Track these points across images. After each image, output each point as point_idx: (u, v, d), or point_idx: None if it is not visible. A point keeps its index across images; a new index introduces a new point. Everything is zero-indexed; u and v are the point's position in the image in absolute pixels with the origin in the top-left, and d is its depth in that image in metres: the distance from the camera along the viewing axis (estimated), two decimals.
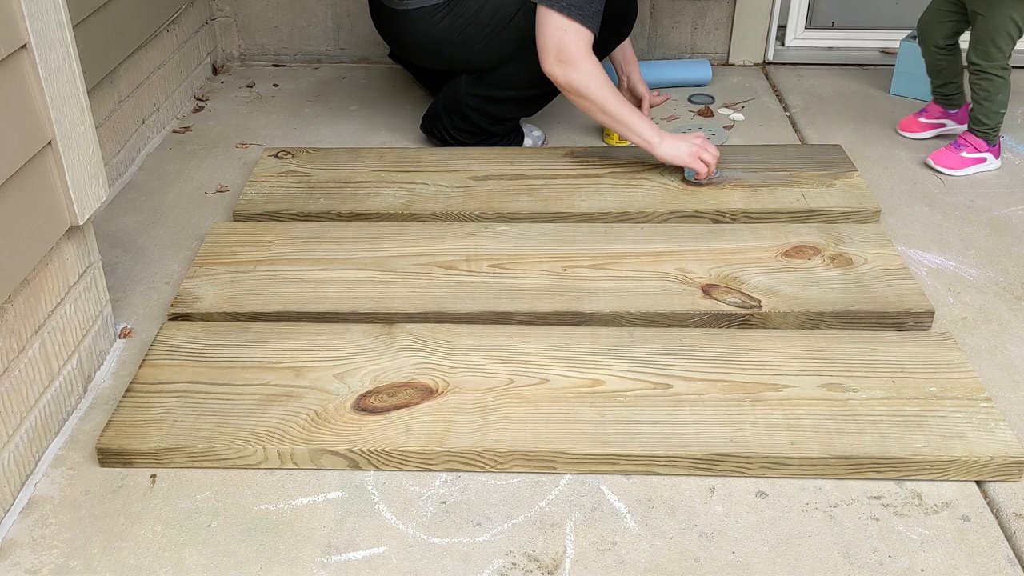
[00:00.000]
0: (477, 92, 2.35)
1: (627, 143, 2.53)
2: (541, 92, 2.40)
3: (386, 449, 1.49)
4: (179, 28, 2.79)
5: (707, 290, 1.85)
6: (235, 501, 1.46)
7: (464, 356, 1.68)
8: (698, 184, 2.22)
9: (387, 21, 2.40)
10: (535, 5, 2.14)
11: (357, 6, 3.08)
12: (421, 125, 2.55)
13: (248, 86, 3.00)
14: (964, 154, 2.44)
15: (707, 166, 2.19)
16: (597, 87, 2.13)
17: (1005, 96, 2.38)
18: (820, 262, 1.94)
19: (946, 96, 2.57)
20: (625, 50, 2.63)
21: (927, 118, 2.61)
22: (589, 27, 2.10)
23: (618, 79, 2.74)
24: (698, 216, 2.13)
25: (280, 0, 3.08)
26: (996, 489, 1.48)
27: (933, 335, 1.74)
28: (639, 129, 2.18)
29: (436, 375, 1.63)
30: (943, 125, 2.61)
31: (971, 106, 2.42)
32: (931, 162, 2.45)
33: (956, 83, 2.54)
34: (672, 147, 2.19)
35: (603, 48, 2.39)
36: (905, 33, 2.87)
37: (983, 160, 2.45)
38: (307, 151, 2.42)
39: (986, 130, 2.42)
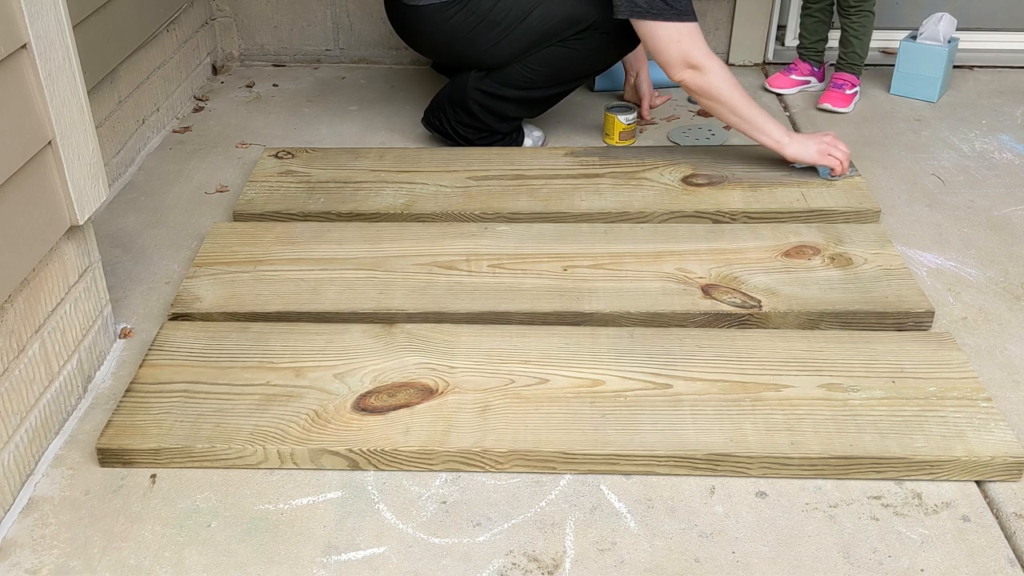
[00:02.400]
0: (484, 88, 2.35)
1: (627, 143, 2.54)
2: (546, 95, 2.40)
3: (386, 449, 1.49)
4: (179, 28, 2.79)
5: (707, 290, 1.85)
6: (235, 501, 1.46)
7: (464, 356, 1.68)
8: (833, 181, 2.22)
9: (400, 17, 2.41)
10: (615, 21, 2.14)
11: (357, 6, 3.09)
12: (422, 119, 2.55)
13: (248, 86, 3.00)
14: (847, 91, 2.77)
15: (840, 162, 2.19)
16: (729, 89, 2.14)
17: (872, 31, 2.76)
18: (820, 262, 1.94)
19: (819, 54, 2.90)
20: (637, 47, 2.64)
21: (797, 75, 2.90)
22: (694, 19, 2.11)
23: (626, 76, 2.74)
24: (698, 216, 2.13)
25: (280, 0, 3.08)
26: (996, 489, 1.48)
27: (933, 335, 1.74)
28: (768, 129, 2.18)
29: (436, 375, 1.63)
30: (808, 83, 2.92)
31: (846, 46, 2.76)
32: (828, 106, 2.75)
33: (826, 41, 2.90)
34: (801, 146, 2.19)
35: (608, 59, 2.38)
36: (905, 33, 2.87)
37: (856, 94, 2.80)
38: (307, 151, 2.42)
39: (860, 65, 2.79)
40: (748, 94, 2.18)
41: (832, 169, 2.21)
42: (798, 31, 2.92)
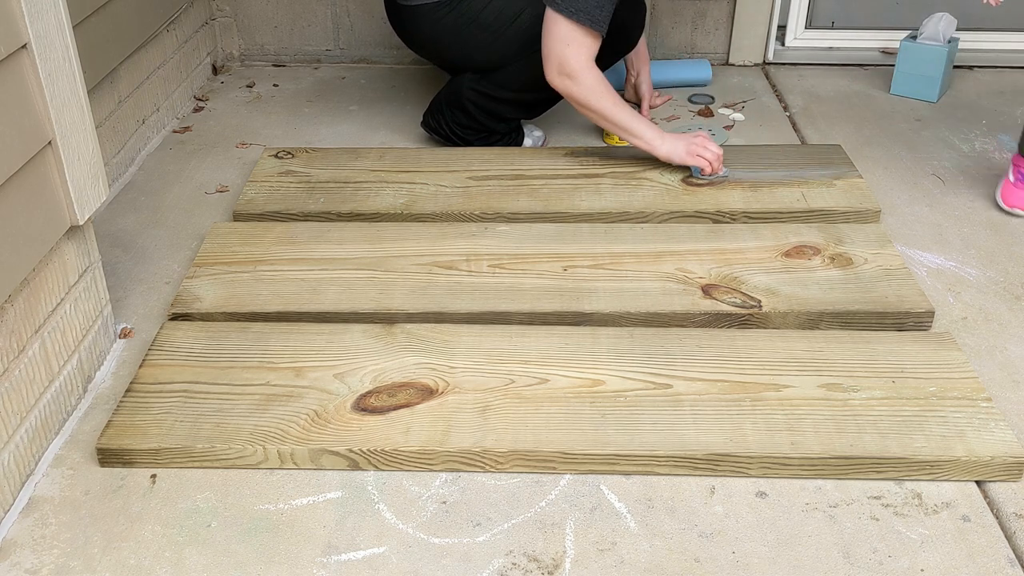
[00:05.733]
0: (479, 89, 2.36)
1: (628, 143, 2.54)
2: (542, 97, 2.40)
3: (386, 449, 1.49)
4: (179, 28, 2.79)
5: (707, 290, 1.85)
6: (235, 501, 1.46)
7: (464, 356, 1.68)
8: (704, 180, 2.23)
9: (396, 16, 2.43)
10: (544, 7, 2.14)
11: (357, 6, 3.09)
12: (421, 121, 2.55)
13: (248, 86, 3.00)
14: None
15: (708, 162, 2.20)
16: (597, 98, 2.16)
17: None
18: (820, 262, 1.94)
19: None
20: (640, 47, 2.64)
21: None
22: (595, 29, 2.10)
23: (627, 75, 2.74)
24: (698, 216, 2.13)
25: (280, 0, 3.08)
26: (996, 489, 1.48)
27: (933, 335, 1.74)
28: (639, 131, 2.21)
29: (436, 375, 1.63)
30: None
31: None
32: (1002, 203, 2.04)
33: None
34: (671, 146, 2.21)
35: (603, 60, 2.38)
36: (905, 33, 2.87)
37: None
38: (307, 151, 2.42)
39: None
40: (619, 99, 2.18)
41: (703, 169, 2.22)
42: None
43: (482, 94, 2.36)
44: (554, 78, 2.16)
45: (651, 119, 2.70)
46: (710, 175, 2.22)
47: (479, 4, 2.26)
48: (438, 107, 2.47)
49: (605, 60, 2.40)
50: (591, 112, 2.19)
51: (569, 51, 2.11)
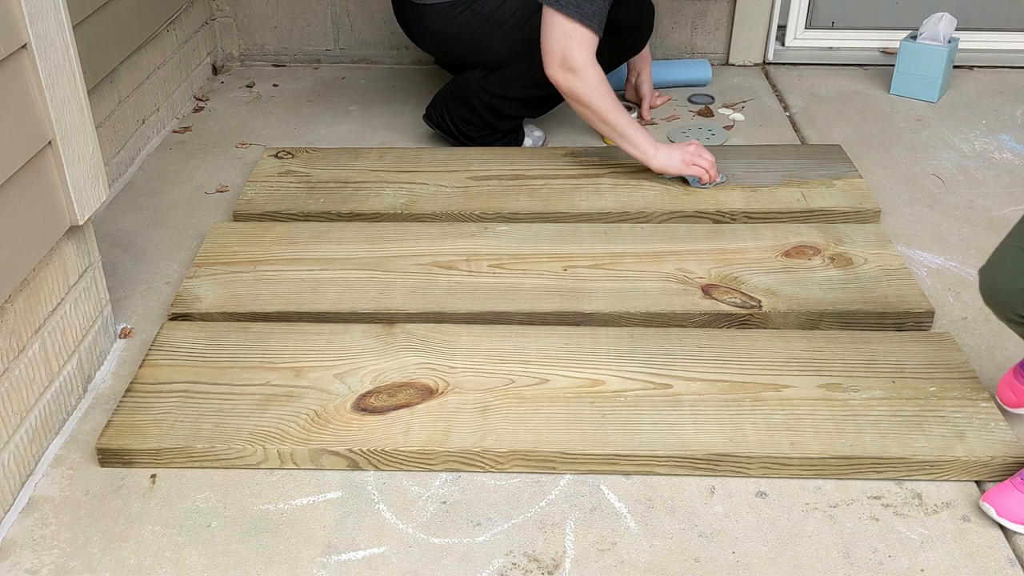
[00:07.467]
0: (487, 87, 2.36)
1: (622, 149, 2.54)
2: (550, 94, 2.39)
3: (386, 449, 1.49)
4: (179, 28, 2.79)
5: (707, 290, 1.85)
6: (235, 501, 1.46)
7: (464, 356, 1.68)
8: (704, 188, 2.21)
9: (405, 14, 2.42)
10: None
11: (357, 6, 3.08)
12: (424, 115, 2.55)
13: (248, 86, 3.00)
14: None
15: (704, 171, 2.18)
16: (598, 97, 2.13)
17: None
18: (820, 262, 1.94)
19: None
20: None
21: None
22: (592, 28, 2.09)
23: (628, 75, 2.74)
24: (698, 216, 2.13)
25: (280, 0, 3.08)
26: None
27: (933, 335, 1.74)
28: (635, 140, 2.18)
29: (436, 375, 1.63)
30: None
31: None
32: (991, 510, 1.41)
33: None
34: (666, 157, 2.18)
35: (610, 60, 2.38)
36: (905, 33, 2.87)
37: None
38: (307, 151, 2.42)
39: None
40: (619, 104, 2.16)
41: (700, 178, 2.20)
42: None
43: (490, 92, 2.36)
44: (556, 73, 2.13)
45: (651, 119, 2.70)
46: (707, 184, 2.21)
47: (493, 3, 2.26)
48: (443, 102, 2.47)
49: (612, 62, 2.40)
50: (590, 111, 2.16)
51: (571, 44, 2.09)
